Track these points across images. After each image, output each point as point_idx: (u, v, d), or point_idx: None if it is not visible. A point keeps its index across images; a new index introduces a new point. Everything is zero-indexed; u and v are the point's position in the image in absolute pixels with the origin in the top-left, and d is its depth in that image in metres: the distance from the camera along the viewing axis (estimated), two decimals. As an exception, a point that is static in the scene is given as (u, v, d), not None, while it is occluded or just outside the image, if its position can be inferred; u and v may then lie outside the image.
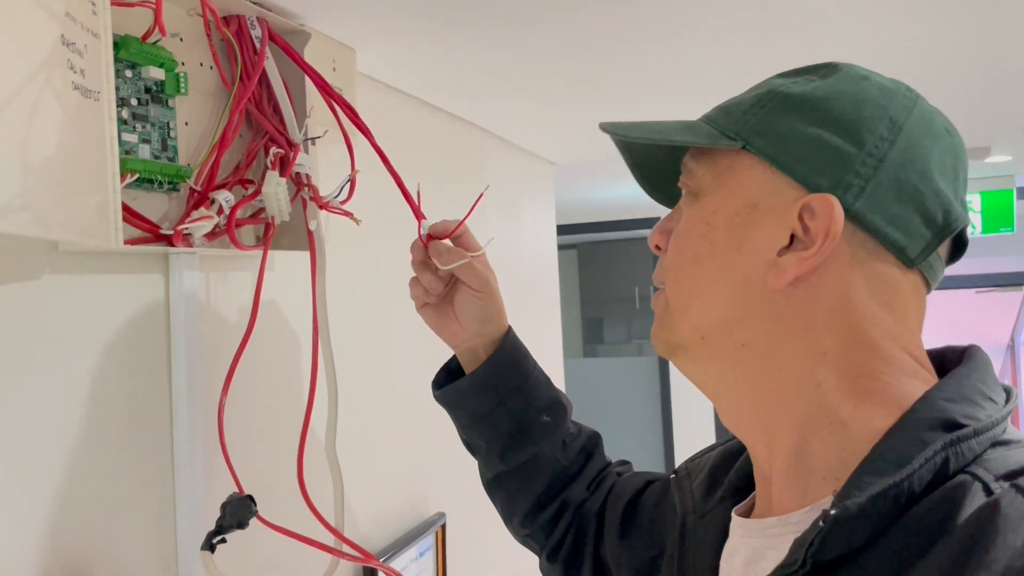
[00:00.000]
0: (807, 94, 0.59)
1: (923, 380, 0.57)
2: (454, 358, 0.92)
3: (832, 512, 0.50)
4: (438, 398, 0.91)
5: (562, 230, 2.26)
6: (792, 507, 0.58)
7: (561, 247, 2.16)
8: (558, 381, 2.11)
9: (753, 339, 0.58)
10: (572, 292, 5.51)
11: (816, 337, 0.56)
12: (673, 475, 0.74)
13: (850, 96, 0.58)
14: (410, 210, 0.90)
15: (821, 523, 0.51)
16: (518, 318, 1.83)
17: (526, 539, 0.92)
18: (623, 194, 3.03)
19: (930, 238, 0.56)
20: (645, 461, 4.17)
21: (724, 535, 0.65)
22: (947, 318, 4.15)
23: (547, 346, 2.05)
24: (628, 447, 4.19)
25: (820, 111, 0.58)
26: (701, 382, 0.64)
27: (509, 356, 0.88)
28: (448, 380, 0.90)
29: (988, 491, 0.50)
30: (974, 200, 2.99)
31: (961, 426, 0.52)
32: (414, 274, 0.90)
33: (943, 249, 0.59)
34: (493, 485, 0.91)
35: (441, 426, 0.92)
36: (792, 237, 0.56)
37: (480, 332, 0.88)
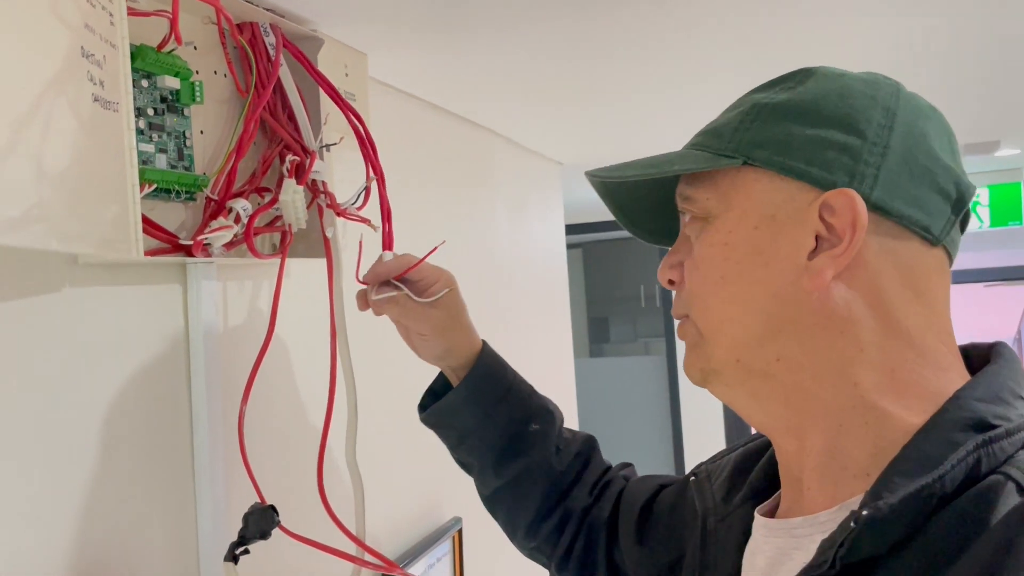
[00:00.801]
0: (794, 100, 0.59)
1: (957, 372, 0.57)
2: (437, 381, 0.92)
3: (864, 513, 0.50)
4: (424, 420, 0.90)
5: (567, 230, 2.25)
6: (820, 506, 0.57)
7: (567, 246, 2.15)
8: (567, 382, 2.10)
9: (788, 351, 0.57)
10: (578, 291, 5.51)
11: (854, 334, 0.56)
12: (693, 477, 0.73)
13: (836, 93, 0.58)
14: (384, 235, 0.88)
15: (853, 524, 0.50)
16: (528, 319, 1.83)
17: (532, 552, 0.91)
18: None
19: (949, 212, 0.57)
20: (655, 461, 4.16)
21: (746, 536, 0.65)
22: (955, 312, 4.14)
23: (558, 346, 2.05)
24: (637, 447, 4.18)
25: (813, 112, 0.58)
26: (734, 402, 0.63)
27: (487, 370, 0.87)
28: (433, 402, 0.90)
29: (1022, 490, 0.49)
30: (982, 194, 2.98)
31: (993, 426, 0.52)
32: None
33: None
34: (492, 501, 0.90)
35: (437, 443, 0.92)
36: (817, 238, 0.56)
37: (442, 363, 0.88)
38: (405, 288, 0.85)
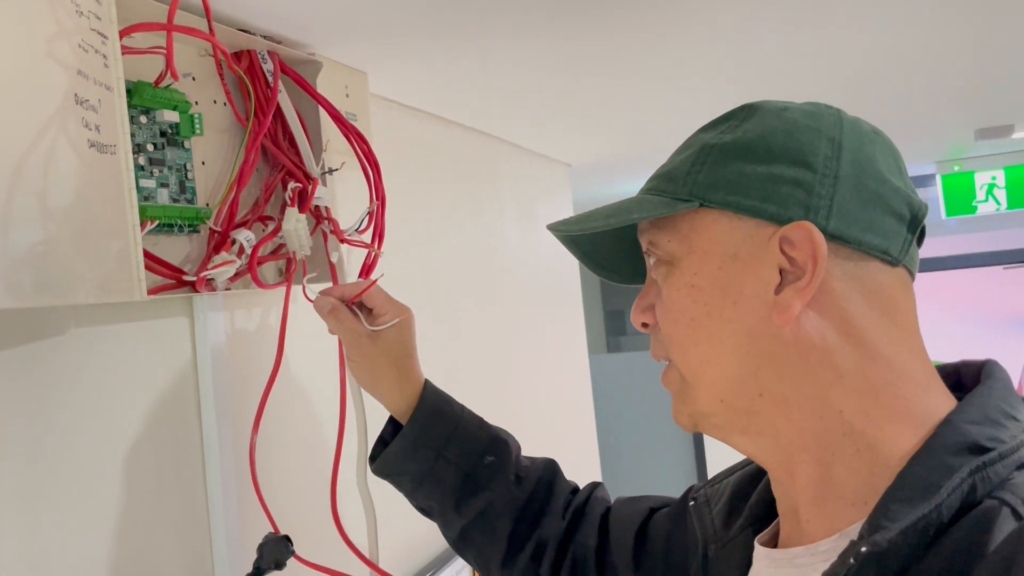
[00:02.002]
0: (741, 139, 0.59)
1: (937, 390, 0.58)
2: (386, 429, 0.88)
3: (863, 549, 0.50)
4: (375, 472, 0.86)
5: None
6: (819, 535, 0.57)
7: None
8: (583, 380, 2.10)
9: (769, 386, 0.58)
10: (593, 285, 5.49)
11: (830, 361, 0.56)
12: (692, 502, 0.73)
13: (781, 129, 0.59)
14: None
15: (852, 560, 0.50)
16: (541, 320, 1.83)
17: None
18: (638, 189, 3.01)
19: (905, 232, 0.58)
20: (675, 460, 4.12)
21: (747, 564, 0.64)
22: (975, 295, 4.09)
23: (572, 345, 2.05)
24: (657, 445, 4.16)
25: (761, 150, 0.58)
26: (727, 441, 0.63)
27: (431, 408, 0.84)
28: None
29: (1017, 516, 0.49)
30: (999, 176, 2.94)
31: (986, 449, 0.52)
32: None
33: None
34: (460, 543, 0.87)
35: None
36: (780, 272, 0.56)
37: (383, 397, 0.85)
38: (355, 311, 0.84)
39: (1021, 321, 4.89)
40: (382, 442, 0.86)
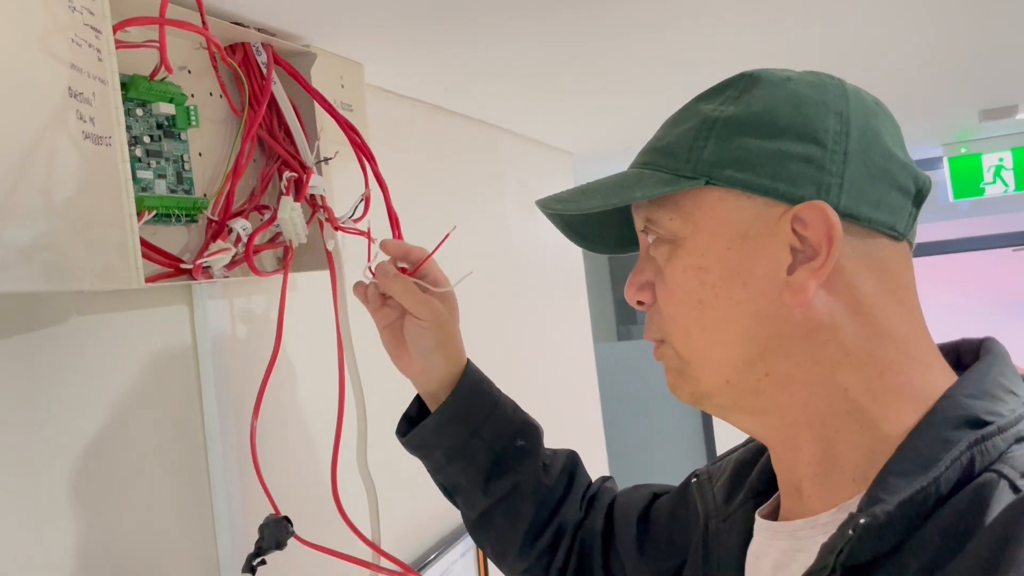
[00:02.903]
0: (746, 113, 0.58)
1: (939, 367, 0.58)
2: (412, 406, 0.89)
3: (861, 521, 0.50)
4: (408, 442, 0.86)
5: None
6: (819, 508, 0.58)
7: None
8: (588, 368, 2.11)
9: (776, 366, 0.57)
10: (602, 273, 5.49)
11: (838, 340, 0.56)
12: (694, 479, 0.74)
13: (787, 102, 0.58)
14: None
15: (851, 531, 0.51)
16: (545, 309, 1.84)
17: (523, 575, 0.88)
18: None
19: (911, 207, 0.58)
20: (684, 450, 4.13)
21: (747, 537, 0.65)
22: (984, 278, 4.07)
23: (577, 333, 2.06)
24: (667, 434, 4.17)
25: (768, 124, 0.57)
26: (728, 419, 0.63)
27: (474, 385, 0.85)
28: (410, 429, 0.87)
29: (1015, 489, 0.50)
30: (1005, 158, 2.93)
31: (985, 423, 0.52)
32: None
33: None
34: (480, 525, 0.87)
35: None
36: (791, 252, 0.56)
37: (427, 366, 0.84)
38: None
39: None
40: (406, 419, 0.87)
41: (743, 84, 0.60)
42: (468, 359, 0.87)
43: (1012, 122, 2.61)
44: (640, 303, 0.64)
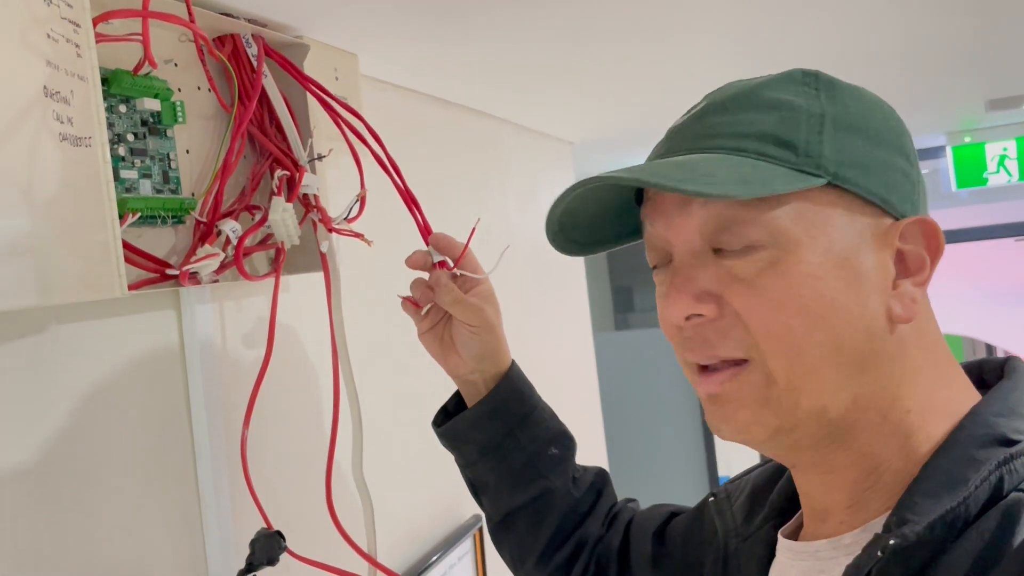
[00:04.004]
0: (845, 114, 0.55)
1: (962, 384, 0.57)
2: (451, 400, 0.88)
3: (891, 543, 0.49)
4: (444, 432, 0.86)
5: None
6: (843, 528, 0.56)
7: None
8: (587, 359, 2.08)
9: (864, 389, 0.54)
10: (600, 262, 5.46)
11: (910, 358, 0.55)
12: (712, 498, 0.72)
13: (875, 111, 0.56)
14: (418, 225, 0.86)
15: (879, 553, 0.49)
16: (543, 300, 1.81)
17: None
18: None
19: None
20: (684, 438, 4.10)
21: (769, 557, 0.64)
22: (987, 267, 4.05)
23: (576, 323, 2.03)
24: (666, 424, 4.13)
25: (870, 131, 0.55)
26: (799, 463, 0.58)
27: (515, 386, 0.84)
28: (446, 421, 0.86)
29: None
30: (1010, 147, 2.89)
31: (1012, 442, 0.51)
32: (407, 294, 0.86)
33: None
34: (503, 527, 0.86)
35: None
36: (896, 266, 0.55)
37: (479, 368, 0.84)
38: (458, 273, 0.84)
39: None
40: (443, 411, 0.88)
41: (815, 83, 0.56)
42: (513, 360, 0.87)
43: (1017, 112, 2.58)
44: (695, 316, 0.54)
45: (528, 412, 0.84)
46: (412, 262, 0.85)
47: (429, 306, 0.84)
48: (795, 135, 0.53)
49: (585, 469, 0.88)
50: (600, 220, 0.65)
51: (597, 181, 0.55)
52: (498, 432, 0.83)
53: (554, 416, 0.88)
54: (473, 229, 0.85)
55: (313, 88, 0.87)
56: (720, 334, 0.54)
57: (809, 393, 0.53)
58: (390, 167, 0.88)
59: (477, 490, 0.88)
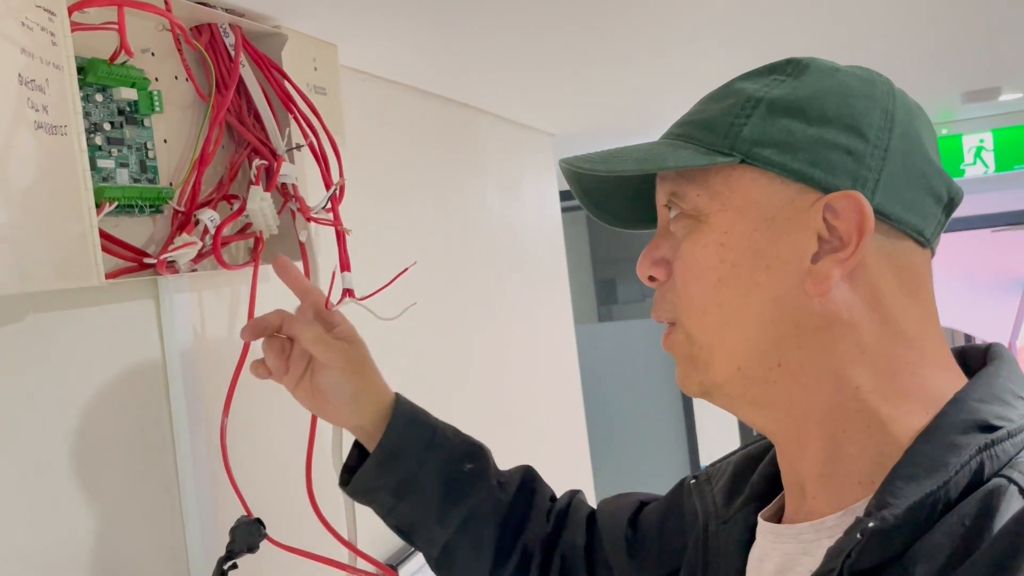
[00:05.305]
0: (792, 96, 0.57)
1: (955, 372, 0.58)
2: (351, 455, 0.83)
3: (870, 525, 0.50)
4: (352, 491, 0.81)
5: (566, 195, 2.23)
6: (826, 511, 0.57)
7: (568, 210, 2.14)
8: (569, 351, 2.09)
9: (790, 356, 0.56)
10: (583, 254, 5.48)
11: (855, 336, 0.55)
12: (692, 481, 0.72)
13: (836, 91, 0.57)
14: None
15: (859, 535, 0.50)
16: (525, 292, 1.82)
17: None
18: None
19: (940, 215, 0.58)
20: (667, 431, 4.12)
21: (749, 540, 0.64)
22: (964, 258, 4.09)
23: (558, 315, 2.04)
24: (649, 414, 4.15)
25: (814, 111, 0.56)
26: (736, 412, 0.61)
27: (409, 417, 0.80)
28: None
29: None
30: (987, 139, 2.93)
31: (994, 428, 0.52)
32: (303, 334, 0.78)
33: None
34: (443, 560, 0.82)
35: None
36: (818, 241, 0.55)
37: (357, 410, 0.79)
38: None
39: (1010, 283, 4.90)
40: (349, 469, 0.82)
41: (791, 69, 0.59)
42: (396, 393, 0.82)
43: (994, 103, 2.61)
44: (652, 279, 0.61)
45: (430, 438, 0.81)
46: (260, 323, 0.79)
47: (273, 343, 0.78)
48: (721, 119, 0.58)
49: (509, 471, 0.86)
50: (626, 196, 0.68)
51: (566, 163, 0.62)
52: (408, 469, 0.79)
53: (457, 432, 0.84)
54: (406, 269, 0.83)
55: (280, 82, 0.87)
56: (662, 296, 0.61)
57: (719, 353, 0.58)
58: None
59: (406, 534, 0.83)
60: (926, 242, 0.57)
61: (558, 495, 0.89)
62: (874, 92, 0.57)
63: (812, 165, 0.55)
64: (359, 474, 0.79)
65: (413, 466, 0.79)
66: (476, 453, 0.83)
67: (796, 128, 0.55)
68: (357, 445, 0.83)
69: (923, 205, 0.56)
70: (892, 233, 0.56)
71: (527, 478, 0.86)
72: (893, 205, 0.55)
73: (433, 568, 0.84)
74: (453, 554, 0.82)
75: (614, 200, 0.68)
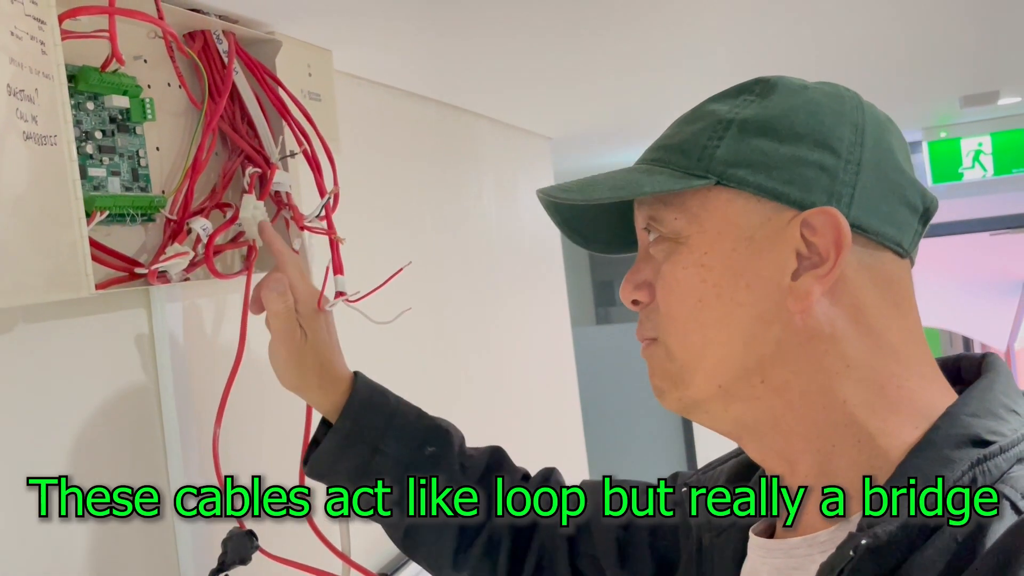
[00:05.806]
0: (763, 115, 0.57)
1: (940, 384, 0.57)
2: (318, 431, 0.83)
3: (863, 541, 0.49)
4: (309, 474, 0.80)
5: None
6: (817, 527, 0.57)
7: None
8: (566, 353, 2.09)
9: (772, 373, 0.56)
10: (580, 256, 5.47)
11: (839, 351, 0.55)
12: (685, 488, 0.71)
13: (805, 109, 0.57)
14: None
15: (851, 552, 0.50)
16: (523, 295, 1.81)
17: None
18: (625, 159, 2.99)
19: (916, 225, 0.58)
20: (665, 433, 4.12)
21: (742, 555, 0.64)
22: (962, 261, 4.09)
23: (556, 318, 2.03)
24: (646, 417, 4.14)
25: (785, 129, 0.56)
26: (720, 429, 0.61)
27: (364, 400, 0.79)
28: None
29: (1017, 510, 0.49)
30: (985, 142, 2.92)
31: (987, 443, 0.52)
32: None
33: None
34: (408, 542, 0.82)
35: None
36: (797, 258, 0.55)
37: (309, 393, 0.79)
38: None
39: (1007, 286, 4.89)
40: (314, 443, 0.81)
41: (759, 88, 0.59)
42: (356, 372, 0.82)
43: (992, 107, 2.61)
44: (636, 302, 0.62)
45: (386, 423, 0.79)
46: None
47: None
48: (694, 142, 0.58)
49: (476, 452, 0.84)
50: (608, 222, 0.68)
51: (543, 193, 0.63)
52: (362, 454, 0.78)
53: (421, 414, 0.83)
54: (400, 269, 0.84)
55: (272, 90, 0.86)
56: (646, 316, 0.62)
57: (702, 372, 0.58)
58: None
59: (369, 515, 0.82)
60: (905, 252, 0.57)
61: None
62: (843, 107, 0.57)
63: (786, 183, 0.55)
64: (314, 456, 0.79)
65: (368, 452, 0.78)
66: (439, 436, 0.82)
67: (768, 147, 0.56)
68: (325, 421, 0.82)
69: (899, 216, 0.56)
70: (870, 245, 0.56)
71: (492, 462, 0.84)
72: (869, 218, 0.55)
73: (399, 548, 0.83)
74: (417, 537, 0.81)
75: (594, 227, 0.69)
